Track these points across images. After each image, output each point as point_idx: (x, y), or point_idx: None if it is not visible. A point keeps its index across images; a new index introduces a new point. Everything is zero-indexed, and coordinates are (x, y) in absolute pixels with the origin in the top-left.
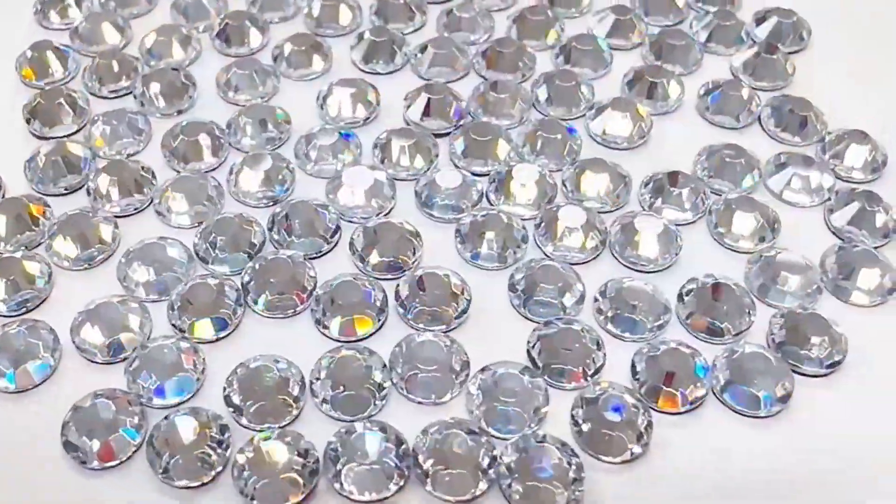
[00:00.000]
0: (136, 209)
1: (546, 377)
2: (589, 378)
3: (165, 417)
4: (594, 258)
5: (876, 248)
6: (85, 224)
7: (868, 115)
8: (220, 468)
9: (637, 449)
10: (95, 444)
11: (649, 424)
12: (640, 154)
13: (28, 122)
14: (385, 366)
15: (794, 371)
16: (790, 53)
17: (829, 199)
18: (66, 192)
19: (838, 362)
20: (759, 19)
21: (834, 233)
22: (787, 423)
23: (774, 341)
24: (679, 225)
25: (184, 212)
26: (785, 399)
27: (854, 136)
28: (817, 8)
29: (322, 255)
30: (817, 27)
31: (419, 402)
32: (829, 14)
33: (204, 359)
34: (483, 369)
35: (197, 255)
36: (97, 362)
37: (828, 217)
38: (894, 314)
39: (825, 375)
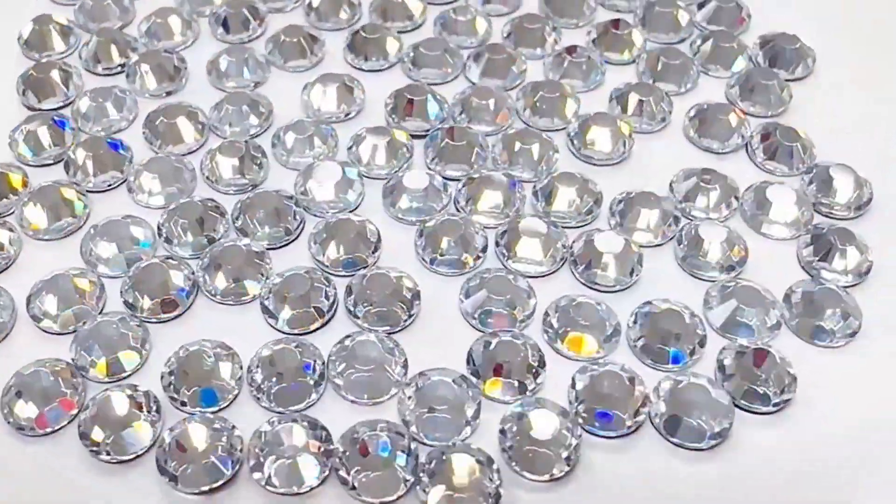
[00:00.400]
0: (109, 185)
1: (480, 388)
2: (527, 393)
3: (106, 390)
4: (552, 273)
5: (846, 287)
6: (56, 196)
7: (861, 151)
8: (147, 447)
9: (563, 467)
10: (32, 411)
11: (577, 445)
12: (619, 171)
13: (24, 93)
14: (324, 362)
15: (738, 407)
16: (791, 80)
17: (807, 233)
18: (47, 164)
19: (786, 401)
20: (763, 43)
21: (804, 268)
22: (723, 457)
23: (723, 374)
24: (645, 247)
25: (157, 192)
26: (723, 434)
27: (841, 171)
28: (825, 38)
29: (283, 247)
30: (823, 56)
31: (353, 401)
32: (836, 45)
33: (150, 338)
34: (420, 374)
35: (160, 235)
36: (50, 332)
37: (800, 252)
38: (853, 356)
39: (771, 413)
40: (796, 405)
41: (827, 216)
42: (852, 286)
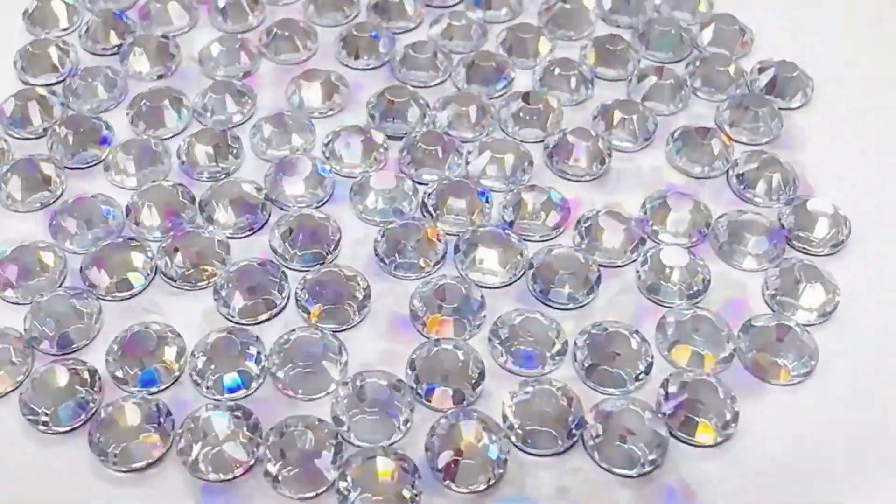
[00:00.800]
0: (88, 163)
1: (417, 394)
2: (464, 403)
3: (51, 363)
4: (509, 284)
5: (808, 325)
6: (34, 170)
7: (850, 185)
8: (83, 421)
9: (487, 481)
10: None
11: (504, 460)
12: (594, 188)
13: (21, 68)
14: (266, 355)
15: (675, 437)
16: (786, 109)
17: (776, 266)
18: (30, 138)
19: (727, 436)
20: (760, 69)
21: (767, 302)
22: (654, 487)
23: (665, 402)
24: (607, 267)
25: (132, 174)
26: (655, 463)
27: (820, 205)
28: (828, 67)
29: (246, 237)
30: (822, 86)
31: (289, 396)
32: (838, 74)
33: (103, 316)
34: (358, 374)
35: (128, 216)
36: (11, 303)
37: (766, 285)
38: (804, 396)
39: (709, 447)
40: (737, 440)
41: (801, 251)
42: (814, 325)
